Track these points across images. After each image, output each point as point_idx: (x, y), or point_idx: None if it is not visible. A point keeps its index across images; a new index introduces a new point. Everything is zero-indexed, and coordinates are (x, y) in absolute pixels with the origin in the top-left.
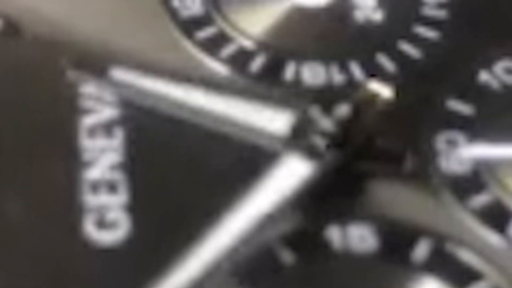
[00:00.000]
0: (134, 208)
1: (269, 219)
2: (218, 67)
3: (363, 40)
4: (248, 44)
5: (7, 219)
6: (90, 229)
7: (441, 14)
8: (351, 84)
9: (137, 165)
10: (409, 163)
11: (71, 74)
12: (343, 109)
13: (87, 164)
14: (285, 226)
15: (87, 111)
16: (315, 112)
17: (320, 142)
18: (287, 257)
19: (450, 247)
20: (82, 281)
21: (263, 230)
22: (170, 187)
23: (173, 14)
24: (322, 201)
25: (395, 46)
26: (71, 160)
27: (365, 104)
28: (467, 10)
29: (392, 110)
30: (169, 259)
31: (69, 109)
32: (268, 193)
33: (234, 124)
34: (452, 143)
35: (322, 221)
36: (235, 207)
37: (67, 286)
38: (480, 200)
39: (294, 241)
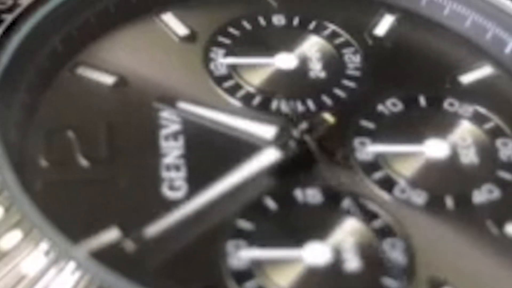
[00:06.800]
0: (189, 180)
1: (255, 179)
2: (235, 102)
3: (314, 87)
4: (251, 89)
5: (118, 185)
6: (165, 191)
7: (357, 73)
8: (308, 112)
9: (191, 156)
10: (339, 154)
11: (155, 105)
12: (304, 125)
13: (163, 155)
14: (269, 187)
15: (163, 126)
16: (288, 126)
17: (291, 142)
18: (271, 205)
19: (362, 200)
20: (159, 218)
21: (252, 185)
22: (207, 167)
23: (210, 73)
24: (291, 174)
25: (332, 91)
26: (155, 153)
27: (316, 123)
28: (371, 72)
29: (331, 126)
30: (207, 204)
31: (154, 125)
32: (256, 168)
33: (241, 132)
34: (362, 144)
35: (291, 185)
36: (236, 174)
37: (151, 221)
38: (378, 174)
39: (275, 196)
